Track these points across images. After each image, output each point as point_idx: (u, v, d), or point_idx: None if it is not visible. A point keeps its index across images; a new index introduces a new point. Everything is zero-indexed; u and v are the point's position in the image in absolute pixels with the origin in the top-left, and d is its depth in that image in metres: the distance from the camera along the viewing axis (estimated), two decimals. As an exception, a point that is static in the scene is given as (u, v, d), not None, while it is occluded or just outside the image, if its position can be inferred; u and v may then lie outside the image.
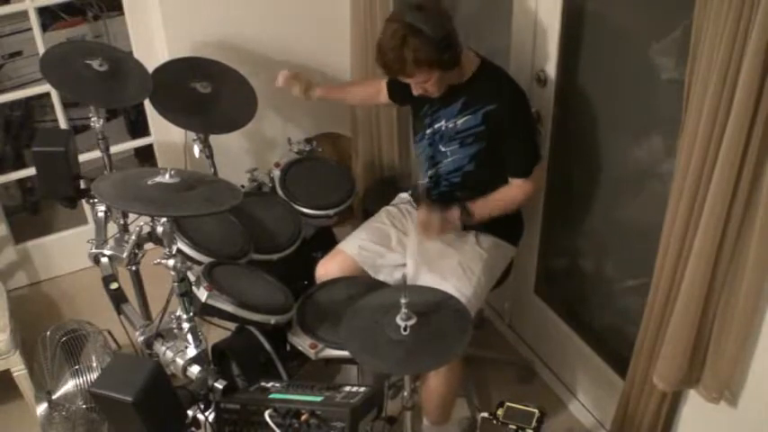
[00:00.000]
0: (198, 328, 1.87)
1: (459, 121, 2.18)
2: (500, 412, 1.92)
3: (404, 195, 2.54)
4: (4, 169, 3.29)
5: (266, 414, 1.62)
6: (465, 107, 2.16)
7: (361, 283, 2.21)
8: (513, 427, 1.88)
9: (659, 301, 1.85)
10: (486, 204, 2.22)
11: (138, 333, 1.94)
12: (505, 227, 2.32)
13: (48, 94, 3.04)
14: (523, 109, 2.18)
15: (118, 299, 2.09)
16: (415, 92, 2.14)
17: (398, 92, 2.42)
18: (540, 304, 2.72)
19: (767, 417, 1.80)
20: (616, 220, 2.38)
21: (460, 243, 2.27)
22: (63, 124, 3.07)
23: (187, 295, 1.83)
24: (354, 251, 2.32)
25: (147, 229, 2.17)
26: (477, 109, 2.14)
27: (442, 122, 2.22)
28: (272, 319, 2.00)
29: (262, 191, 2.67)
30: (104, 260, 2.17)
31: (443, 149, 2.24)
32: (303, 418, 1.59)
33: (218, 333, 2.29)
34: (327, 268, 2.33)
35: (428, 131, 2.28)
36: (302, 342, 2.02)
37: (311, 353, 1.99)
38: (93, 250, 2.17)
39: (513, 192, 2.22)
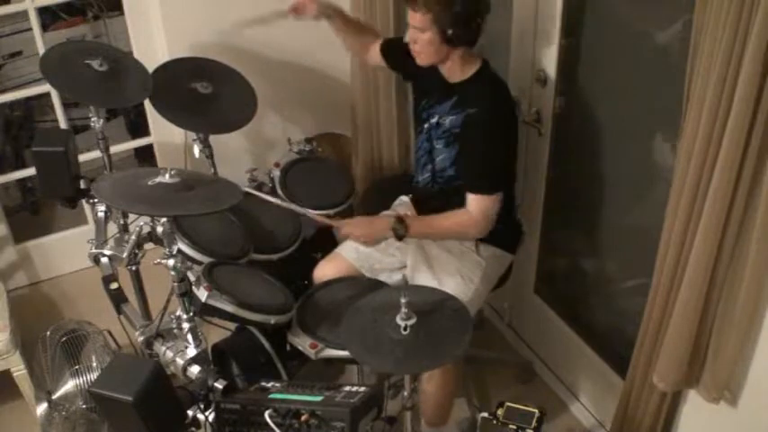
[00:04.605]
0: (198, 328, 1.87)
1: (447, 120, 2.16)
2: (500, 412, 1.92)
3: (404, 198, 2.53)
4: (4, 169, 3.29)
5: (266, 414, 1.62)
6: (455, 106, 2.15)
7: (361, 283, 2.21)
8: (513, 427, 1.88)
9: (659, 301, 1.85)
10: (425, 223, 2.18)
11: (138, 333, 1.94)
12: (505, 237, 2.30)
13: (48, 94, 3.04)
14: (501, 125, 2.09)
15: (118, 299, 2.09)
16: (407, 37, 2.10)
17: (394, 56, 2.40)
18: (540, 304, 2.72)
19: (767, 417, 1.80)
20: (616, 219, 2.37)
21: (460, 251, 2.25)
22: (63, 124, 3.07)
23: (187, 295, 1.83)
24: (352, 255, 2.32)
25: (147, 229, 2.18)
26: (461, 110, 2.12)
27: (436, 118, 2.21)
28: (272, 319, 2.00)
29: (262, 191, 2.67)
30: (104, 260, 2.17)
31: (437, 146, 2.23)
32: (303, 418, 1.59)
33: (218, 333, 2.29)
34: (325, 271, 2.33)
35: (425, 126, 2.27)
36: (302, 342, 2.01)
37: (311, 353, 1.99)
38: (93, 250, 2.17)
39: (457, 217, 2.10)
